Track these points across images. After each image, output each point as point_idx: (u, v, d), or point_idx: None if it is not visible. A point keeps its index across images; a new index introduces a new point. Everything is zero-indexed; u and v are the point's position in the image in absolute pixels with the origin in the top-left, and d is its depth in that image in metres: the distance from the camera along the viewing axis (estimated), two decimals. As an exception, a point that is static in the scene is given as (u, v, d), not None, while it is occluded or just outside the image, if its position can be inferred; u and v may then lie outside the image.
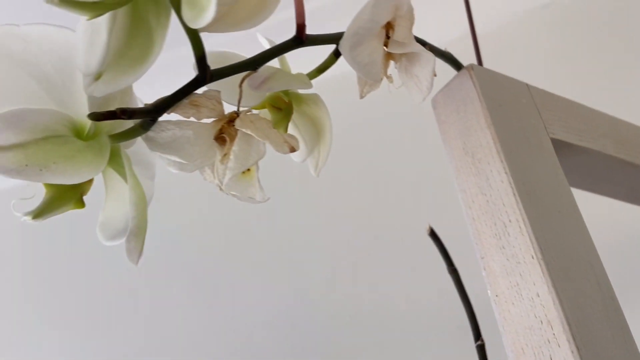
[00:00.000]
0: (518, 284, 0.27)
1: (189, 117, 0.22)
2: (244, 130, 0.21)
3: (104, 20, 0.19)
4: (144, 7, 0.19)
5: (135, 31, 0.20)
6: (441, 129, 0.33)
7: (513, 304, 0.27)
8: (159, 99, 0.21)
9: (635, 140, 0.39)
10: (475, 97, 0.31)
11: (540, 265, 0.26)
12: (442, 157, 0.33)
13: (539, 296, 0.26)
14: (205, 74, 0.21)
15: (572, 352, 0.24)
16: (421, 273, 0.75)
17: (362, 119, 0.71)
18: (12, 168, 0.20)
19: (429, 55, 0.25)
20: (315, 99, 0.27)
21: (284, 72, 0.26)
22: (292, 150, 0.21)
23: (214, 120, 0.22)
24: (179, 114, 0.22)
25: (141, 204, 0.24)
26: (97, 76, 0.20)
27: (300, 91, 0.27)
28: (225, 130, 0.22)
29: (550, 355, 0.25)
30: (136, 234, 0.24)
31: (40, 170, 0.20)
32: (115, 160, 0.23)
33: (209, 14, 0.17)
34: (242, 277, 0.84)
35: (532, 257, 0.26)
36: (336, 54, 0.27)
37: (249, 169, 0.21)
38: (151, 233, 0.25)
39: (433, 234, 0.47)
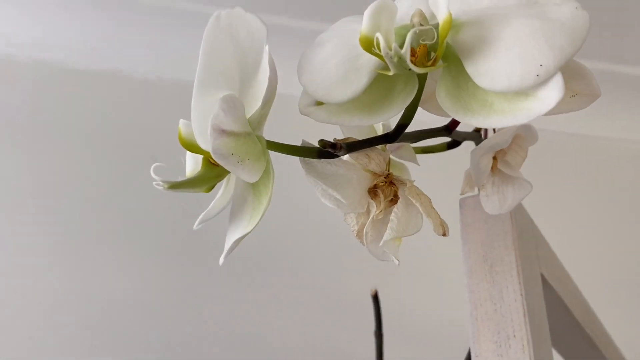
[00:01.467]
0: (508, 390, 0.31)
1: (358, 164, 0.24)
2: (411, 199, 0.23)
3: (368, 62, 0.20)
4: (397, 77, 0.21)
5: (379, 84, 0.21)
6: (464, 230, 0.38)
7: None
8: (350, 140, 0.22)
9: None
10: (508, 218, 0.36)
11: (534, 383, 0.31)
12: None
13: None
14: (396, 137, 0.23)
15: None
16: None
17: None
18: (223, 152, 0.20)
19: (528, 186, 0.29)
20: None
21: (410, 147, 0.28)
22: (444, 234, 0.23)
23: (372, 174, 0.24)
24: (352, 158, 0.24)
25: (261, 214, 0.24)
26: (319, 103, 0.21)
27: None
28: (380, 187, 0.24)
29: None
30: (242, 238, 0.24)
31: (238, 162, 0.20)
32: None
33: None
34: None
35: (528, 374, 0.31)
36: (449, 146, 0.30)
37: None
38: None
39: (376, 298, 0.51)
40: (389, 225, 0.23)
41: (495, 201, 0.31)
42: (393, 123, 0.30)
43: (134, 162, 0.81)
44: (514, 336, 0.33)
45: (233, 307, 0.79)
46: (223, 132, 0.19)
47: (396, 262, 0.24)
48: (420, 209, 0.23)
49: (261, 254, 0.81)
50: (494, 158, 0.30)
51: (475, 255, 0.36)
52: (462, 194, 0.31)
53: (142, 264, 0.79)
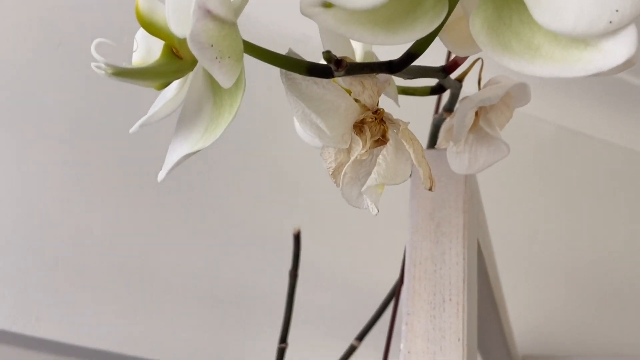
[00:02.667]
0: (435, 353, 0.30)
1: (349, 91, 0.20)
2: (404, 142, 0.19)
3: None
4: None
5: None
6: (415, 184, 0.35)
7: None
8: (348, 62, 0.18)
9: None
10: (462, 180, 0.34)
11: (463, 349, 0.30)
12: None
13: None
14: (403, 67, 0.19)
15: None
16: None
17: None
18: (202, 41, 0.15)
19: (505, 149, 0.27)
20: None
21: (394, 83, 0.25)
22: (431, 189, 0.20)
23: (362, 106, 0.20)
24: (345, 83, 0.20)
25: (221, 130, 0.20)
26: (328, 5, 0.17)
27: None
28: (368, 123, 0.20)
29: None
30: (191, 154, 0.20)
31: (216, 57, 0.16)
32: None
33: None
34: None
35: (458, 340, 0.30)
36: (433, 91, 0.27)
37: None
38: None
39: (297, 237, 0.49)
40: (375, 169, 0.20)
41: (464, 160, 0.29)
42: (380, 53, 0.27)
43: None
44: (450, 300, 0.31)
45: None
46: (208, 14, 0.15)
47: (374, 211, 0.21)
48: (412, 156, 0.20)
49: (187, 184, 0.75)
50: (476, 114, 0.27)
51: (422, 212, 0.34)
52: (438, 146, 0.29)
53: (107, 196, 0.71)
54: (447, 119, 0.28)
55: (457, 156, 0.29)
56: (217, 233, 0.75)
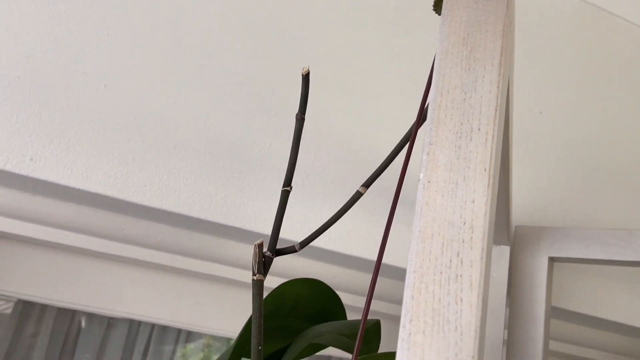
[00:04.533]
0: (458, 183, 0.28)
1: None
2: None
3: None
4: None
5: None
6: (449, 6, 0.31)
7: (443, 196, 0.28)
8: None
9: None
10: (504, 3, 0.30)
11: (489, 179, 0.28)
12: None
13: (474, 202, 0.28)
14: None
15: (482, 258, 0.27)
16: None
17: None
18: None
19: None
20: None
21: None
22: None
23: None
24: None
25: None
26: None
27: None
28: None
29: (459, 252, 0.27)
30: None
31: None
32: None
33: None
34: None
35: (485, 170, 0.28)
36: None
37: None
38: None
39: (307, 78, 0.45)
40: None
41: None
42: None
43: None
44: (479, 129, 0.29)
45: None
46: None
47: None
48: None
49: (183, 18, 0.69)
50: None
51: (454, 37, 0.31)
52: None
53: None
54: None
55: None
56: (216, 81, 0.71)
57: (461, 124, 0.29)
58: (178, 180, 0.67)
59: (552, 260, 0.75)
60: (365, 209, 0.74)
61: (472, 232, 0.27)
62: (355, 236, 0.74)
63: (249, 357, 0.50)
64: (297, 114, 0.46)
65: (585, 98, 0.96)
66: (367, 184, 0.44)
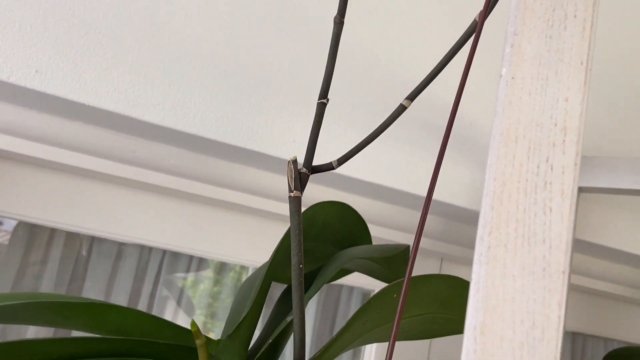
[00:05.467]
0: (548, 79, 0.24)
1: None
2: None
3: None
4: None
5: None
6: None
7: (530, 94, 0.24)
8: None
9: None
10: None
11: (586, 74, 0.24)
12: None
13: (567, 101, 0.24)
14: None
15: (575, 163, 0.23)
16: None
17: None
18: None
19: None
20: None
21: None
22: None
23: None
24: None
25: None
26: None
27: None
28: None
29: (548, 157, 0.24)
30: None
31: None
32: None
33: None
34: None
35: (581, 64, 0.24)
36: None
37: None
38: None
39: None
40: None
41: None
42: None
43: None
44: (574, 17, 0.25)
45: None
46: None
47: None
48: None
49: None
50: None
51: None
52: None
53: None
54: None
55: None
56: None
57: (553, 9, 0.25)
58: (193, 99, 0.63)
59: (580, 190, 0.72)
60: (391, 137, 0.71)
61: (565, 135, 0.23)
62: (381, 164, 0.71)
63: (281, 279, 0.48)
64: (335, 17, 0.41)
65: (622, 17, 0.90)
66: (412, 97, 0.40)
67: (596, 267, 0.89)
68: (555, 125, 0.24)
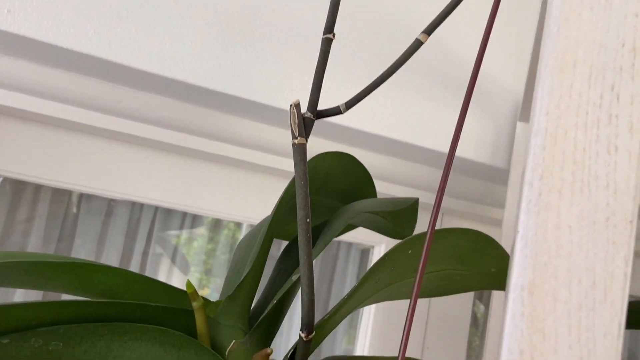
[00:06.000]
0: (614, -9, 0.20)
1: None
2: None
3: None
4: None
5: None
6: None
7: (592, 8, 0.20)
8: None
9: None
10: None
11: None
12: None
13: (637, 16, 0.20)
14: None
15: (647, 93, 0.19)
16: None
17: None
18: None
19: None
20: None
21: None
22: None
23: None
24: None
25: None
26: None
27: None
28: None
29: (613, 85, 0.19)
30: None
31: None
32: None
33: None
34: None
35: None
36: None
37: None
38: None
39: None
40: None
41: None
42: None
43: None
44: None
45: None
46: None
47: None
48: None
49: None
50: None
51: None
52: None
53: None
54: None
55: None
56: None
57: None
58: (181, 43, 0.57)
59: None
60: (394, 87, 0.66)
61: (634, 58, 0.19)
62: (387, 115, 0.66)
63: (283, 235, 0.44)
64: None
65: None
66: (429, 31, 0.36)
67: None
68: (623, 46, 0.19)
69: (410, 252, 0.34)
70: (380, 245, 0.85)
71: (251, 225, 0.86)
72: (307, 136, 0.34)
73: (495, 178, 0.76)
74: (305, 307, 0.29)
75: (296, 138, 0.33)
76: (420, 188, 0.77)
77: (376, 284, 0.33)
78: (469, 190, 0.82)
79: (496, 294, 0.60)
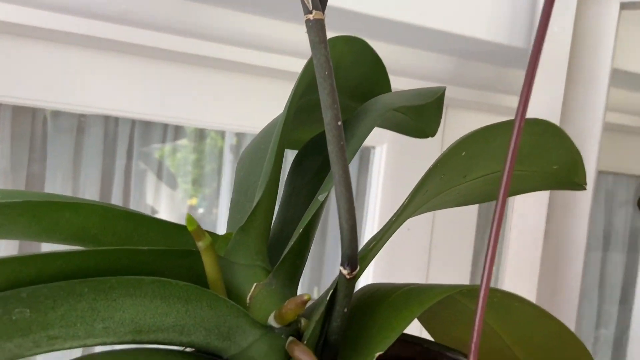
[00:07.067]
0: None
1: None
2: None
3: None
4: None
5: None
6: None
7: None
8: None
9: None
10: None
11: None
12: None
13: None
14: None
15: None
16: None
17: None
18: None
19: None
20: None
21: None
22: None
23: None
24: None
25: None
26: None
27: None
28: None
29: None
30: None
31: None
32: None
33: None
34: None
35: None
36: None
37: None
38: None
39: None
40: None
41: None
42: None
43: None
44: None
45: None
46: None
47: None
48: None
49: None
50: None
51: None
52: None
53: None
54: None
55: None
56: None
57: None
58: None
59: (622, 7, 0.60)
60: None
61: None
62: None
63: (293, 144, 0.37)
64: None
65: None
66: None
67: (635, 102, 0.80)
68: None
69: (464, 154, 0.27)
70: (381, 145, 0.77)
71: (237, 134, 0.78)
72: (323, 8, 0.25)
73: (512, 61, 0.68)
74: (346, 237, 0.21)
75: (311, 12, 0.24)
76: (427, 79, 0.68)
77: (424, 196, 0.26)
78: (477, 76, 0.74)
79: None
